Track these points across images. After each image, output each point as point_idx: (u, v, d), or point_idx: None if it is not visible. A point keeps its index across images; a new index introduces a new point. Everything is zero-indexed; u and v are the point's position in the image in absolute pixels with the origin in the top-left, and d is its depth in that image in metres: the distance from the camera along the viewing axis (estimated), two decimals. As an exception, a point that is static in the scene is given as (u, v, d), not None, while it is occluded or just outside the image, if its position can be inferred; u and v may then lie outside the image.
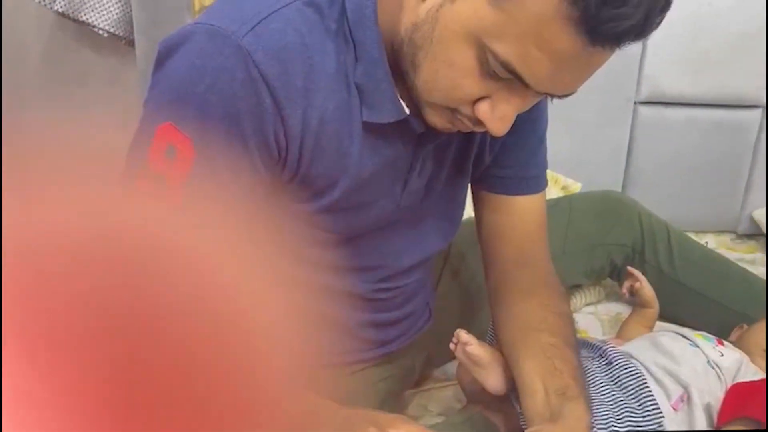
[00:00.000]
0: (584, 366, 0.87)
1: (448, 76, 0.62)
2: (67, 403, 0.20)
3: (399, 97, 0.69)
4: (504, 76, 0.60)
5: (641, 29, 0.57)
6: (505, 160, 0.86)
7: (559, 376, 0.74)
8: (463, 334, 0.83)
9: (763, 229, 1.53)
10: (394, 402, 0.93)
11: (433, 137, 0.74)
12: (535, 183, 0.89)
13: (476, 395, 0.94)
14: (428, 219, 0.85)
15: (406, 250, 0.84)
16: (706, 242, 1.33)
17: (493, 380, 0.83)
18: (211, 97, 0.62)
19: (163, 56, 0.66)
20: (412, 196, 0.79)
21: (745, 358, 0.96)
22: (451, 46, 0.61)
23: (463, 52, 0.60)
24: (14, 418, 0.18)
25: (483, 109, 0.63)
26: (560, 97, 0.64)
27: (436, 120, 0.68)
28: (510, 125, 0.64)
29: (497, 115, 0.63)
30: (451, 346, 0.84)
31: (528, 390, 0.74)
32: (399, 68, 0.67)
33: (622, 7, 0.55)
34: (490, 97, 0.62)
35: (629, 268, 1.14)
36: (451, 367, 1.03)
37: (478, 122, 0.64)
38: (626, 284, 1.14)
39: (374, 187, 0.74)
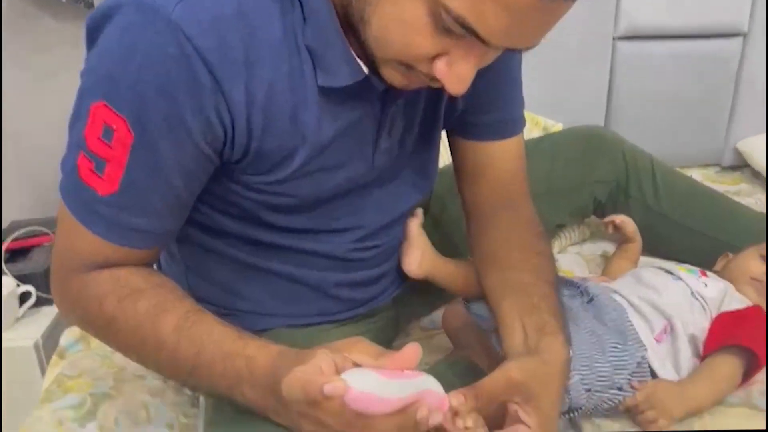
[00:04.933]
0: (566, 305, 0.86)
1: (399, 34, 0.58)
2: None
3: (355, 56, 0.64)
4: (459, 32, 0.55)
5: None
6: (479, 106, 0.83)
7: (537, 313, 0.72)
8: (419, 212, 0.89)
9: (749, 160, 1.52)
10: (378, 353, 0.92)
11: (399, 93, 0.70)
12: (512, 126, 0.86)
13: (462, 341, 0.94)
14: (403, 175, 0.82)
15: (382, 209, 0.82)
16: (691, 176, 1.31)
17: (409, 260, 0.88)
18: (144, 76, 0.59)
19: (92, 31, 0.62)
20: (385, 155, 0.76)
21: (730, 287, 0.95)
22: (401, 1, 0.56)
23: (414, 8, 0.55)
24: None
25: (440, 68, 0.59)
26: (524, 50, 0.59)
27: (393, 78, 0.64)
28: (469, 83, 0.60)
29: (455, 74, 0.59)
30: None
31: (507, 329, 0.73)
32: (351, 25, 0.62)
33: None
34: (447, 54, 0.58)
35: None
36: (439, 316, 1.02)
37: (436, 79, 0.60)
38: (607, 221, 1.13)
39: (339, 152, 0.71)
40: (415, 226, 0.90)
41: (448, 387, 0.63)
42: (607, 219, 1.13)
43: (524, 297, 0.75)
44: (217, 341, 0.65)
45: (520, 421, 0.64)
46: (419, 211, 0.90)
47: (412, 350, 0.60)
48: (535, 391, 0.65)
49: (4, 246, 1.36)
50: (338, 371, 0.58)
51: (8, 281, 1.28)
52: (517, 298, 0.75)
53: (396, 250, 0.90)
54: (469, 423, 0.62)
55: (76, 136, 0.63)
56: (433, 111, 0.80)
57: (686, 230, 1.13)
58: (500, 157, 0.86)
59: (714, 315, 0.90)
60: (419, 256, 0.89)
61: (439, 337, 1.04)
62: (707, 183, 1.37)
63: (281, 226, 0.76)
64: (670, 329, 0.88)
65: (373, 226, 0.81)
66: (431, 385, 0.61)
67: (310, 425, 0.60)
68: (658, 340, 0.86)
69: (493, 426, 0.65)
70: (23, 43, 1.47)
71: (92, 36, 0.63)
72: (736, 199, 1.22)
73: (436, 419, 0.59)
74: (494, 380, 0.65)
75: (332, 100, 0.67)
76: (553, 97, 1.50)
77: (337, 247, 0.80)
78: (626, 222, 1.11)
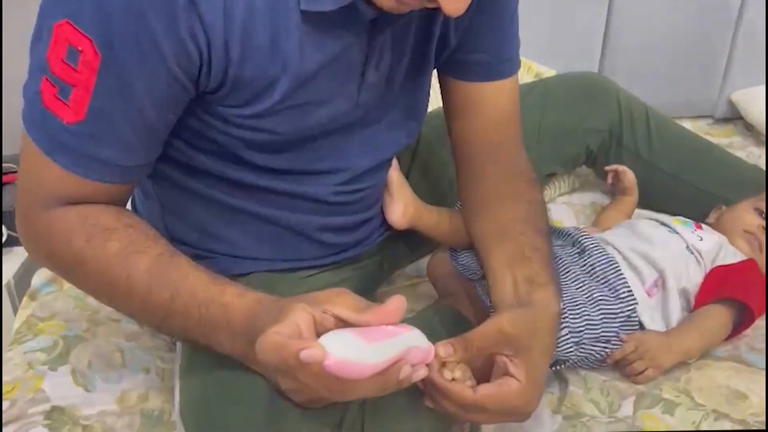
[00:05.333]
0: (557, 255, 0.84)
1: None
2: None
3: None
4: None
5: None
6: (473, 44, 0.78)
7: (528, 263, 0.70)
8: (394, 163, 0.87)
9: (743, 113, 1.49)
10: (362, 300, 0.89)
11: (388, 22, 0.66)
12: (507, 67, 0.82)
13: (447, 290, 0.92)
14: (390, 115, 0.78)
15: (367, 151, 0.78)
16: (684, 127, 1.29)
17: (392, 210, 0.87)
18: None
19: None
20: (371, 92, 0.72)
21: (725, 240, 0.94)
22: None
23: None
24: None
25: None
26: None
27: None
28: (467, 3, 0.56)
29: None
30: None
31: (496, 279, 0.71)
32: None
33: None
34: None
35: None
36: (423, 264, 1.01)
37: None
38: (609, 170, 1.10)
39: (323, 85, 0.67)
40: (396, 175, 0.87)
41: (433, 336, 0.61)
42: (608, 168, 1.10)
43: (515, 247, 0.72)
44: (192, 287, 0.62)
45: (509, 373, 0.63)
46: (394, 162, 0.87)
47: (396, 304, 0.56)
48: (525, 344, 0.63)
49: (-27, 182, 1.31)
50: (317, 328, 0.55)
51: (-23, 219, 1.23)
52: (507, 248, 0.72)
53: (380, 196, 0.87)
54: (457, 374, 0.61)
55: (37, 59, 0.58)
56: (424, 46, 0.75)
57: (679, 182, 1.11)
58: (492, 99, 0.82)
59: (708, 269, 0.89)
60: (402, 207, 0.88)
61: (424, 285, 1.02)
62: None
63: (261, 166, 0.72)
64: (661, 283, 0.86)
65: (358, 168, 0.78)
66: (415, 340, 0.57)
67: (288, 383, 0.58)
68: (649, 294, 0.85)
69: (479, 377, 0.64)
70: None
71: None
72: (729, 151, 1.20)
73: (420, 375, 0.57)
74: (484, 332, 0.63)
75: (316, 27, 0.62)
76: (547, 41, 1.45)
77: (320, 189, 0.77)
78: (627, 173, 1.09)
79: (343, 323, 0.56)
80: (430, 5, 0.57)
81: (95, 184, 0.63)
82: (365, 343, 0.53)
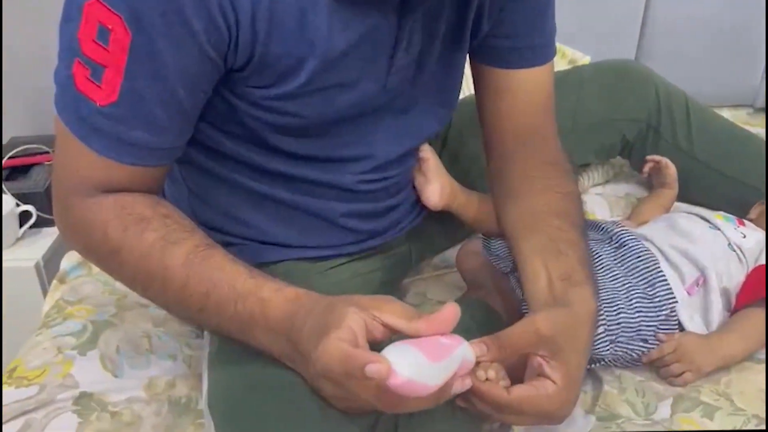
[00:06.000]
0: (593, 249, 0.82)
1: None
2: None
3: None
4: None
5: None
6: (507, 28, 0.77)
7: (563, 259, 0.68)
8: (426, 146, 0.86)
9: (784, 102, 1.45)
10: (390, 291, 0.88)
11: (418, 3, 0.64)
12: (543, 53, 0.80)
13: (477, 282, 0.91)
14: (420, 101, 0.77)
15: (395, 138, 0.77)
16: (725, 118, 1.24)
17: (429, 191, 0.86)
18: None
19: None
20: (400, 75, 0.70)
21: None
22: None
23: None
24: None
25: None
26: None
27: None
28: None
29: None
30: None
31: (531, 275, 0.69)
32: None
33: None
34: None
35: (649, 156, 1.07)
36: (451, 254, 0.99)
37: None
38: (648, 165, 1.07)
39: (351, 67, 0.66)
40: (430, 156, 0.86)
41: (464, 331, 0.59)
42: (650, 157, 1.07)
43: (549, 241, 0.70)
44: (229, 280, 0.61)
45: (544, 374, 0.61)
46: (426, 145, 0.86)
47: (450, 313, 0.55)
48: (562, 346, 0.61)
49: (3, 163, 1.31)
50: (369, 334, 0.55)
51: (8, 200, 1.25)
52: (540, 241, 0.70)
53: (409, 182, 0.85)
54: (491, 374, 0.59)
55: (67, 40, 0.58)
56: (456, 30, 0.74)
57: (719, 175, 1.07)
58: (527, 87, 0.81)
59: (750, 267, 0.86)
60: (439, 188, 0.87)
61: (452, 275, 1.01)
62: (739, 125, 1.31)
63: (286, 151, 0.71)
64: (702, 282, 0.83)
65: (384, 156, 0.77)
66: (466, 353, 0.57)
67: (333, 390, 0.57)
68: (689, 293, 0.82)
69: (513, 375, 0.62)
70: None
71: None
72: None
73: (467, 385, 0.56)
74: (520, 332, 0.61)
75: (344, 6, 0.61)
76: (582, 26, 1.42)
77: (346, 177, 0.76)
78: (669, 166, 1.06)
79: (391, 331, 0.55)
80: None
81: (129, 168, 0.63)
82: (429, 362, 0.52)
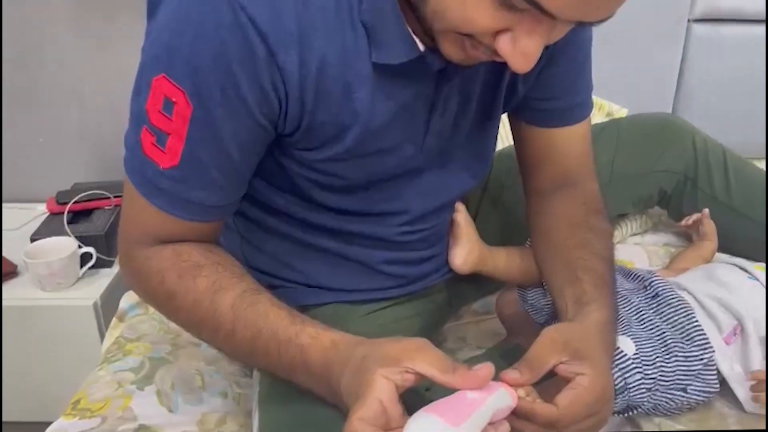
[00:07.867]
0: (627, 298, 0.84)
1: (458, 10, 0.55)
2: None
3: (411, 32, 0.62)
4: (522, 6, 0.52)
5: None
6: (543, 92, 0.79)
7: (578, 284, 0.71)
8: (460, 206, 0.88)
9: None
10: (429, 335, 0.91)
11: (455, 72, 0.68)
12: (579, 111, 0.83)
13: (516, 328, 0.93)
14: (456, 158, 0.80)
15: (433, 193, 0.80)
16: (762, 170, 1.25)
17: (455, 255, 0.88)
18: (199, 46, 0.58)
19: (152, 4, 0.62)
20: (437, 137, 0.74)
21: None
22: None
23: None
24: None
25: (502, 45, 0.55)
26: (596, 23, 0.55)
27: (452, 51, 0.61)
28: (535, 60, 0.56)
29: (519, 51, 0.55)
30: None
31: (561, 310, 0.72)
32: (408, 1, 0.60)
33: None
34: (511, 30, 0.55)
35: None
36: (491, 300, 1.01)
37: (498, 54, 0.57)
38: (685, 219, 1.09)
39: (391, 134, 0.69)
40: (462, 218, 0.88)
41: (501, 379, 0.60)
42: (693, 217, 1.09)
43: (568, 271, 0.74)
44: (272, 326, 0.64)
45: (574, 372, 0.62)
46: (461, 206, 0.89)
47: (484, 372, 0.55)
48: (577, 345, 0.63)
49: (67, 208, 1.39)
50: (401, 389, 0.56)
51: (70, 242, 1.32)
52: (563, 275, 0.74)
53: (446, 233, 0.88)
54: (522, 393, 0.60)
55: (137, 111, 0.63)
56: (491, 94, 0.77)
57: (759, 226, 1.08)
58: (565, 143, 0.83)
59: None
60: (465, 253, 0.88)
61: (492, 321, 1.03)
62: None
63: (330, 206, 0.76)
64: (740, 331, 0.84)
65: (418, 211, 0.80)
66: (501, 399, 0.56)
67: None
68: (727, 342, 0.83)
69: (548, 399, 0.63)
70: (87, 9, 1.49)
71: (152, 9, 0.63)
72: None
73: (503, 430, 0.57)
74: (539, 346, 0.63)
75: (386, 78, 0.65)
76: (620, 80, 1.44)
77: (384, 229, 0.79)
78: (709, 223, 1.08)
79: (424, 379, 0.56)
80: (498, 59, 0.58)
81: (187, 223, 0.68)
82: (450, 427, 0.51)
